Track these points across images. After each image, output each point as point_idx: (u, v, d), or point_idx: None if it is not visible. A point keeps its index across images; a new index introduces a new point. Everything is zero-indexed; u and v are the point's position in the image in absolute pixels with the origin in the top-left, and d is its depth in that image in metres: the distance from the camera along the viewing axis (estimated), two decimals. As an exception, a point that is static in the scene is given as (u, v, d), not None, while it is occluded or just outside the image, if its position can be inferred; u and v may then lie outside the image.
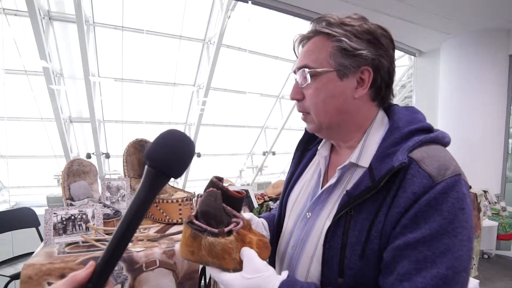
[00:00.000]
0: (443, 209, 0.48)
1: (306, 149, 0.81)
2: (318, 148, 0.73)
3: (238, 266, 0.56)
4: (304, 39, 0.66)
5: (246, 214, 0.73)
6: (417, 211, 0.49)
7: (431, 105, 4.29)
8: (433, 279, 0.47)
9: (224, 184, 0.65)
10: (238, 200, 0.63)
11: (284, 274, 0.57)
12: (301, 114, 0.68)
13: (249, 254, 0.55)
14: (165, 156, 0.39)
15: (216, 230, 0.55)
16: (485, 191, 3.15)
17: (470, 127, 3.69)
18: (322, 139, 0.75)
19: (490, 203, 3.24)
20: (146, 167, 0.39)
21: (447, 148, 0.59)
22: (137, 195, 0.39)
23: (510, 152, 3.88)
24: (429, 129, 0.59)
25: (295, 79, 0.65)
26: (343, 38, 0.59)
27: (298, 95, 0.65)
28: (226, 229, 0.56)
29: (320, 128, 0.65)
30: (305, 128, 0.82)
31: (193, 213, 0.60)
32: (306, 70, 0.61)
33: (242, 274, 0.54)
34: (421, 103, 4.70)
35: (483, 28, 3.54)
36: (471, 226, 0.51)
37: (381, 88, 0.63)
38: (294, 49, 0.69)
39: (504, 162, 3.76)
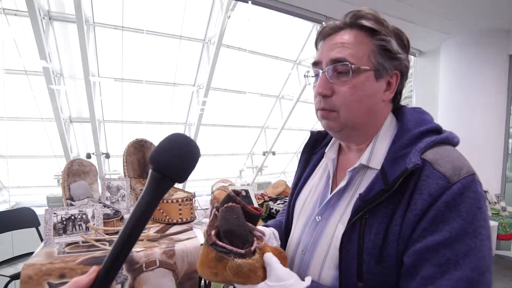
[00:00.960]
0: (461, 210, 0.48)
1: (312, 152, 0.79)
2: (326, 150, 0.71)
3: (261, 281, 0.55)
4: (333, 29, 0.62)
5: (258, 228, 0.73)
6: (435, 213, 0.49)
7: (431, 105, 4.29)
8: (459, 281, 0.46)
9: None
10: (254, 216, 0.60)
11: (308, 280, 0.56)
12: (319, 111, 0.63)
13: (271, 262, 0.55)
14: (170, 160, 0.39)
15: (242, 251, 0.53)
16: (485, 191, 3.15)
17: (470, 127, 3.68)
18: (328, 142, 0.73)
19: (490, 203, 3.23)
20: (150, 171, 0.39)
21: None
22: (140, 200, 0.39)
23: (510, 152, 3.88)
24: (438, 130, 0.59)
25: (324, 73, 0.60)
26: (388, 38, 0.58)
27: (328, 91, 0.59)
28: (252, 248, 0.54)
29: (344, 127, 0.61)
30: (311, 131, 0.80)
31: (213, 232, 0.56)
32: (349, 64, 0.57)
33: (266, 282, 0.53)
34: (421, 103, 4.69)
35: (483, 28, 3.54)
36: (488, 225, 0.51)
37: (398, 92, 0.63)
38: (317, 40, 0.65)
39: (504, 162, 3.76)
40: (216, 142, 7.13)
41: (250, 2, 3.23)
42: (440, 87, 4.09)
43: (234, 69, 6.10)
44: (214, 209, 0.59)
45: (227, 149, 7.48)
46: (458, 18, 3.34)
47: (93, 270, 0.39)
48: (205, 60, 5.58)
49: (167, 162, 0.38)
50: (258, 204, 1.88)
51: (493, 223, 2.97)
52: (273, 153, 7.56)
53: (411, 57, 4.91)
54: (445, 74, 4.01)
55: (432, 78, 4.30)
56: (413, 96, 5.02)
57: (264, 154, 7.57)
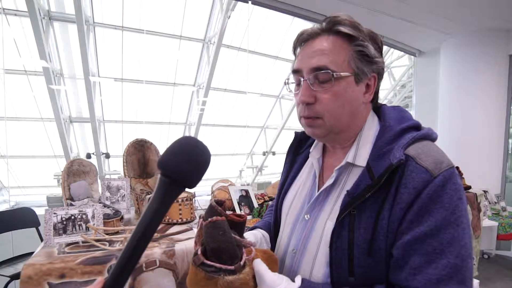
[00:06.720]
0: (444, 201, 0.50)
1: (297, 153, 0.80)
2: (310, 150, 0.73)
3: None
4: (311, 35, 0.62)
5: (248, 235, 0.72)
6: (420, 205, 0.51)
7: (431, 105, 4.29)
8: (445, 269, 0.48)
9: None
10: (239, 223, 0.59)
11: (298, 280, 0.57)
12: (304, 119, 0.63)
13: (260, 269, 0.55)
14: (182, 164, 0.37)
15: (232, 267, 0.51)
16: (485, 191, 3.15)
17: (470, 127, 3.68)
18: (312, 142, 0.74)
19: (490, 203, 3.23)
20: (159, 176, 0.37)
21: (442, 146, 0.61)
22: (149, 207, 0.37)
23: (510, 152, 3.88)
24: (418, 126, 0.61)
25: (305, 81, 0.60)
26: (366, 43, 0.59)
27: (311, 98, 0.60)
28: (241, 263, 0.53)
29: (329, 133, 0.62)
30: (295, 132, 0.81)
31: (199, 251, 0.54)
32: (331, 72, 0.57)
33: None
34: (421, 103, 4.69)
35: (483, 28, 3.54)
36: (467, 214, 0.54)
37: (376, 92, 0.65)
38: (295, 46, 0.66)
39: (504, 162, 3.76)
40: (216, 142, 7.13)
41: (250, 2, 3.23)
42: (440, 87, 4.09)
43: (234, 69, 6.10)
44: (201, 219, 0.56)
45: (227, 149, 7.48)
46: (458, 18, 3.35)
47: (99, 282, 0.37)
48: (205, 60, 5.58)
49: (178, 167, 0.37)
50: (258, 204, 1.88)
51: (493, 223, 2.97)
52: (273, 153, 7.57)
53: (411, 57, 4.91)
54: (445, 74, 4.01)
55: (432, 78, 4.30)
56: (413, 96, 5.02)
57: (264, 154, 7.57)
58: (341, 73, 0.58)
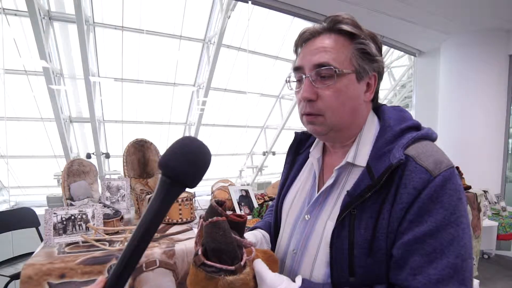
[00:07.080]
0: (444, 201, 0.50)
1: (297, 153, 0.80)
2: (310, 150, 0.73)
3: None
4: (312, 34, 0.63)
5: (249, 235, 0.72)
6: (420, 205, 0.51)
7: (431, 105, 4.29)
8: (445, 269, 0.49)
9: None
10: (240, 223, 0.58)
11: (298, 280, 0.57)
12: (305, 116, 0.63)
13: (260, 269, 0.55)
14: (183, 164, 0.37)
15: (233, 268, 0.51)
16: (485, 191, 3.15)
17: (470, 127, 3.68)
18: (312, 142, 0.74)
19: (490, 203, 3.23)
20: (160, 176, 0.38)
21: (442, 146, 0.60)
22: (150, 207, 0.37)
23: (510, 152, 3.88)
24: (417, 126, 0.61)
25: (307, 77, 0.60)
26: (367, 41, 0.60)
27: (313, 95, 0.60)
28: (242, 263, 0.53)
29: (329, 130, 0.62)
30: (295, 132, 0.81)
31: (200, 251, 0.54)
32: (333, 68, 0.58)
33: None
34: (421, 103, 4.69)
35: (483, 28, 3.54)
36: (467, 213, 0.54)
37: (376, 92, 0.65)
38: (296, 45, 0.66)
39: (504, 162, 3.76)
40: (216, 142, 7.14)
41: (250, 2, 3.23)
42: (440, 87, 4.09)
43: (234, 69, 6.11)
44: (202, 219, 0.56)
45: (227, 149, 7.48)
46: (458, 18, 3.35)
47: (100, 281, 0.37)
48: (205, 60, 5.58)
49: (179, 167, 0.37)
50: (258, 204, 1.88)
51: (493, 223, 2.97)
52: (273, 153, 7.57)
53: (411, 57, 4.91)
54: (445, 74, 4.01)
55: (432, 78, 4.30)
56: (413, 96, 5.02)
57: (264, 154, 7.58)
58: (343, 70, 0.58)
